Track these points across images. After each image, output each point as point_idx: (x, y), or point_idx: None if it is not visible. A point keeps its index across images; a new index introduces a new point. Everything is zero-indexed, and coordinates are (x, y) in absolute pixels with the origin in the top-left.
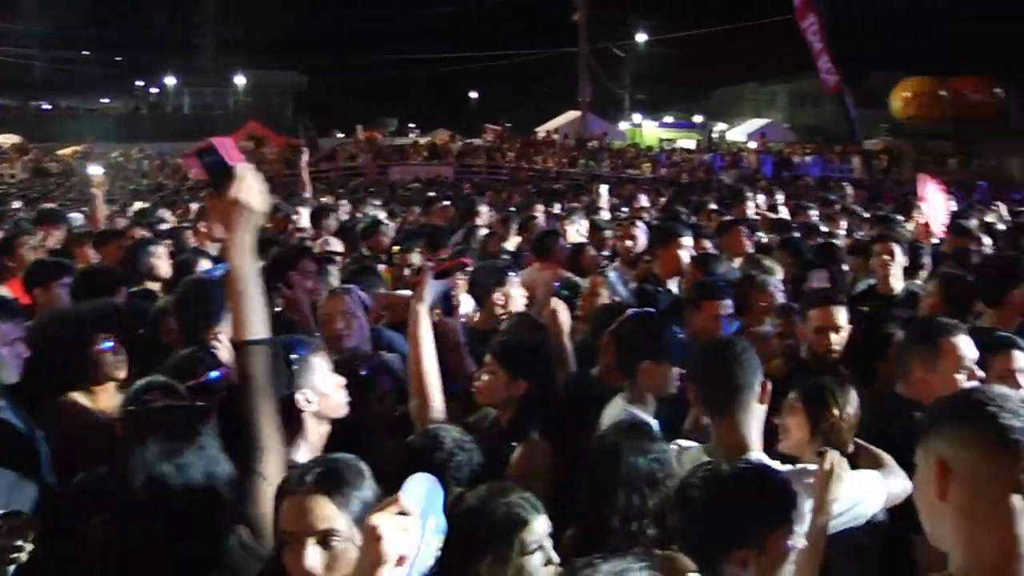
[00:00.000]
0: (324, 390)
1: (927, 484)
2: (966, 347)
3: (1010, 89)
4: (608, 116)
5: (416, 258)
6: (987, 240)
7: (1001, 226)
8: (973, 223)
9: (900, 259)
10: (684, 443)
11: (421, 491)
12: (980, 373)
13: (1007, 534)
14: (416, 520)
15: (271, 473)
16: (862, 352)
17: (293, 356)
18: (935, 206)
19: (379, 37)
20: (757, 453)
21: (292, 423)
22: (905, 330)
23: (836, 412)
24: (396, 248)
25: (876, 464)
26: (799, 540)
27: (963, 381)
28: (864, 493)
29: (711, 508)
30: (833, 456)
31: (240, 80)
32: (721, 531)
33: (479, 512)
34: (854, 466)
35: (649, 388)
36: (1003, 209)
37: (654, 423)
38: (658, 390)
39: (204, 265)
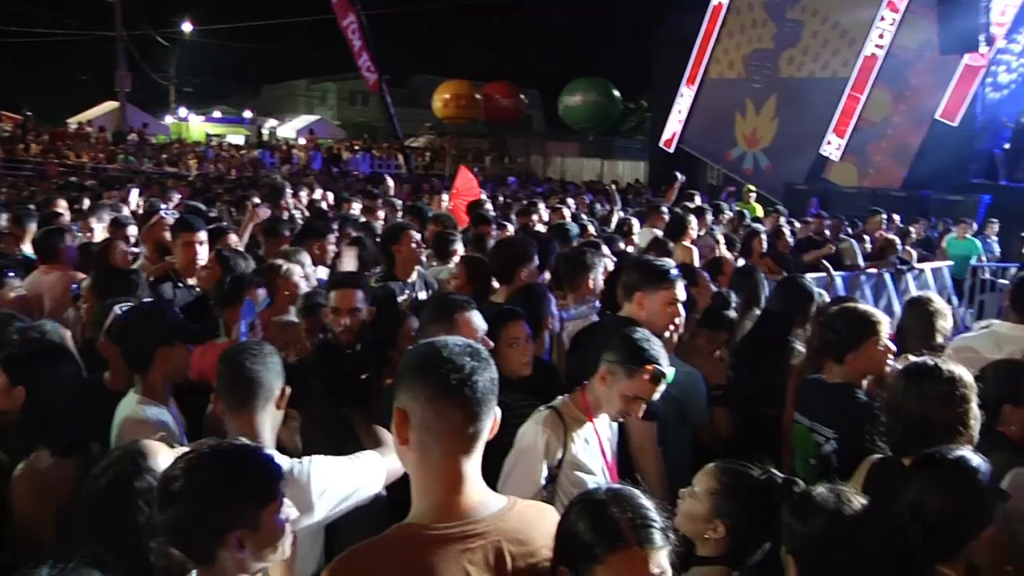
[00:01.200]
0: None
1: (394, 432)
2: (477, 320)
3: (532, 96)
4: (152, 108)
5: None
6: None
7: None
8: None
9: (417, 247)
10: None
11: None
12: (490, 344)
13: (450, 475)
14: None
15: None
16: (382, 328)
17: None
18: (467, 195)
19: None
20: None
21: None
22: (426, 306)
23: None
24: None
25: (377, 443)
26: (292, 511)
27: None
28: (364, 477)
29: (196, 496)
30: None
31: None
32: (210, 517)
33: None
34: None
35: (168, 373)
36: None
37: (166, 416)
38: (173, 375)
39: None
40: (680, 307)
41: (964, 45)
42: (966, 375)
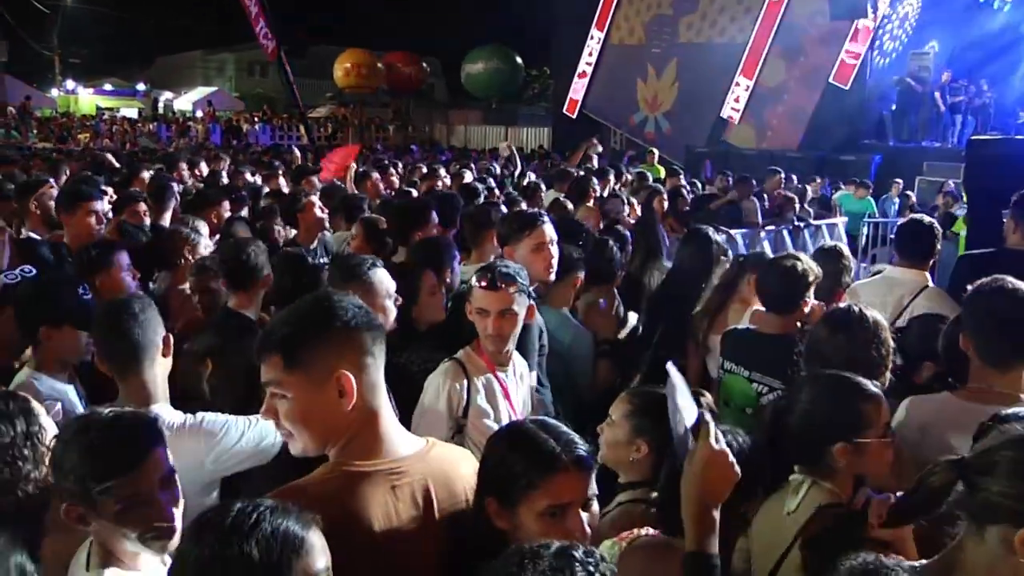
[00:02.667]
0: None
1: (343, 400)
2: (387, 278)
3: (433, 64)
4: (35, 81)
5: None
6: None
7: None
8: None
9: (321, 212)
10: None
11: None
12: (399, 300)
13: (376, 416)
14: None
15: None
16: (289, 293)
17: None
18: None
19: None
20: (163, 403)
21: None
22: (331, 269)
23: None
24: None
25: None
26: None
27: (390, 307)
28: (261, 435)
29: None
30: None
31: None
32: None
33: None
34: None
35: (58, 353)
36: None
37: (66, 388)
38: (69, 354)
39: None
40: (551, 248)
41: (853, 12)
42: (882, 319)
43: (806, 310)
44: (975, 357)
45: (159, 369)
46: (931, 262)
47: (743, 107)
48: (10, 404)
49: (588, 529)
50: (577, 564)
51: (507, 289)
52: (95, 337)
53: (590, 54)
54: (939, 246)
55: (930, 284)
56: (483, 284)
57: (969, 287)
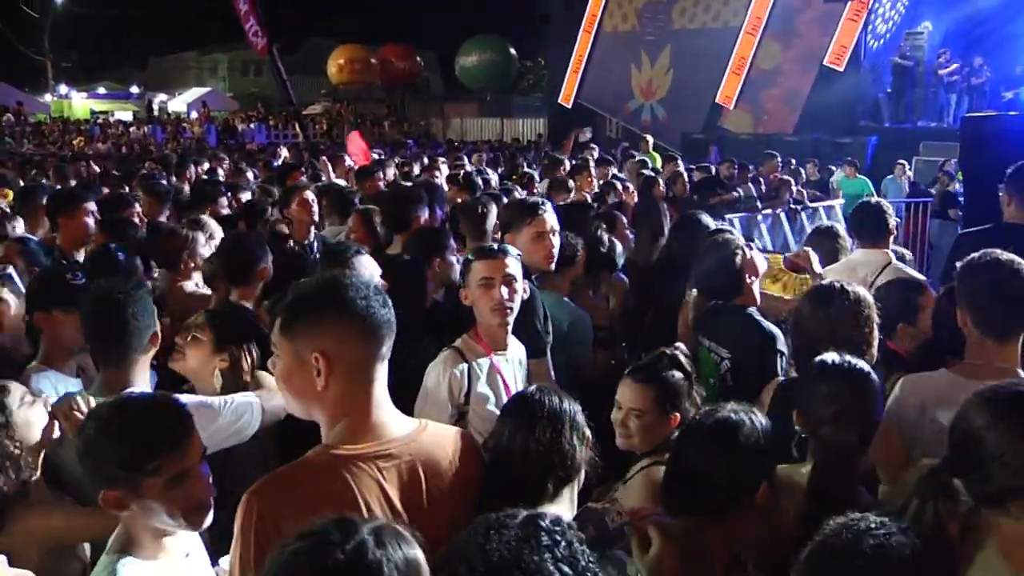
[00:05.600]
0: None
1: (317, 378)
2: (371, 264)
3: (428, 58)
4: (26, 86)
5: None
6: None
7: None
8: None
9: (315, 207)
10: None
11: None
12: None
13: (366, 401)
14: None
15: None
16: (280, 284)
17: None
18: (356, 158)
19: None
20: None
21: None
22: (323, 257)
23: None
24: None
25: (259, 387)
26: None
27: None
28: (245, 408)
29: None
30: None
31: None
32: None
33: None
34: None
35: (58, 341)
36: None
37: (74, 383)
38: (70, 341)
39: None
40: (552, 237)
41: None
42: (868, 296)
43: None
44: (972, 331)
45: (142, 358)
46: (889, 239)
47: (738, 92)
48: None
49: None
50: (543, 533)
51: (505, 257)
52: (83, 320)
53: (583, 41)
54: (892, 223)
55: (893, 261)
56: (482, 256)
57: (959, 263)
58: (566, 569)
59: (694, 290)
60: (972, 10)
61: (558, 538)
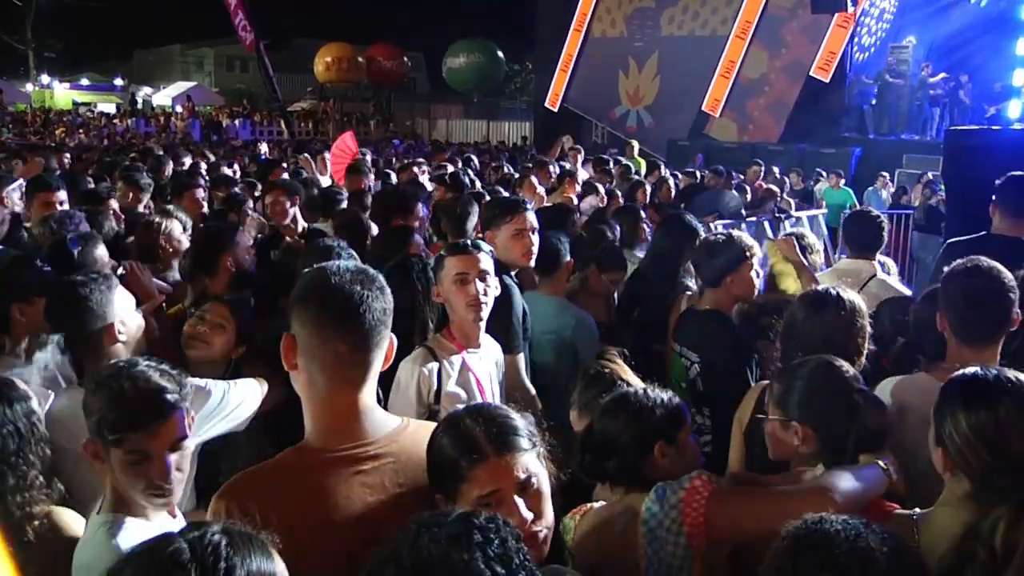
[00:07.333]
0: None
1: (283, 356)
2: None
3: (415, 58)
4: (6, 75)
5: None
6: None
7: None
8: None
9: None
10: None
11: None
12: None
13: (339, 404)
14: None
15: None
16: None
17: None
18: (341, 155)
19: None
20: None
21: None
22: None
23: None
24: None
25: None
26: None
27: None
28: (242, 395)
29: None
30: None
31: None
32: None
33: None
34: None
35: (25, 332)
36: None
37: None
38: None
39: None
40: (531, 235)
41: (834, 5)
42: (862, 305)
43: (753, 284)
44: (951, 336)
45: (108, 350)
46: (877, 252)
47: (725, 99)
48: None
49: (527, 513)
50: (476, 530)
51: (478, 253)
52: (47, 310)
53: (571, 46)
54: (884, 237)
55: (879, 273)
56: (455, 252)
57: (945, 268)
58: (498, 568)
59: (687, 291)
60: (954, 27)
61: (491, 536)
